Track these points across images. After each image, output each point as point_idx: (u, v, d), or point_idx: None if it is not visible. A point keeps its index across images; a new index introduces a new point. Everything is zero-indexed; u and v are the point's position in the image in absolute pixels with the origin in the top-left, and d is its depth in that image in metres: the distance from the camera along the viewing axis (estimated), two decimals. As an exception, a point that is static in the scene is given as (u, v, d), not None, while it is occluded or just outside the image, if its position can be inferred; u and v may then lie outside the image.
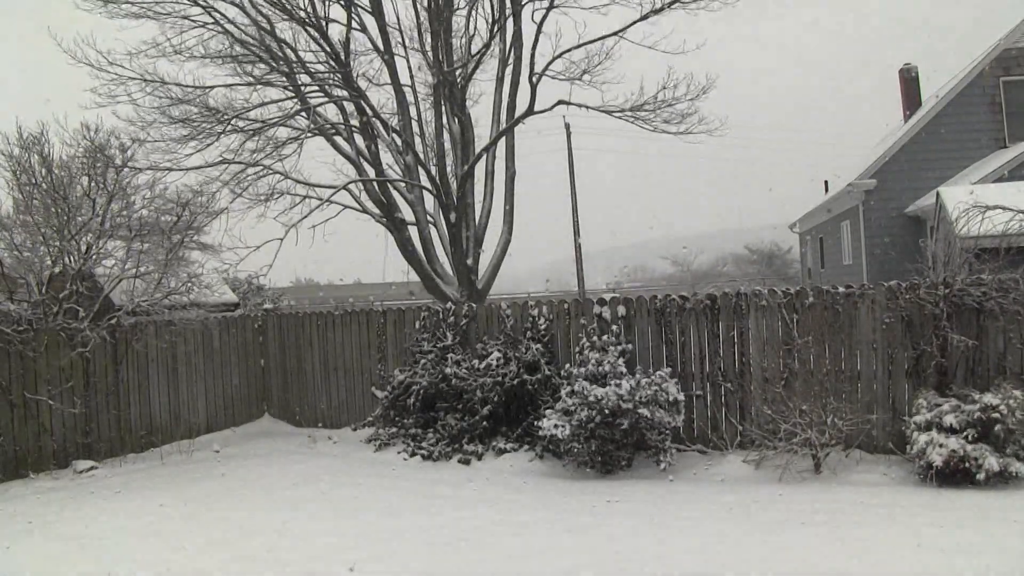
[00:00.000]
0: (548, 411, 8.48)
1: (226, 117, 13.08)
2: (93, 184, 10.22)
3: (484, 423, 9.22)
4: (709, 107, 24.55)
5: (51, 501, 7.90)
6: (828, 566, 5.20)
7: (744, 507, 6.73)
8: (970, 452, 6.86)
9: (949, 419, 7.08)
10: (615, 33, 13.47)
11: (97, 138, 10.44)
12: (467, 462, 8.96)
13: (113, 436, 10.00)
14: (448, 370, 9.51)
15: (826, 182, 27.08)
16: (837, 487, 7.19)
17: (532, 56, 13.55)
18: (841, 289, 8.40)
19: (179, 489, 8.24)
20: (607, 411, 7.86)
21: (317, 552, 5.96)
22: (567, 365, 9.08)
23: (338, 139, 14.68)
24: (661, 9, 12.91)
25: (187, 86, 13.07)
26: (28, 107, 11.22)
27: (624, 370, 8.31)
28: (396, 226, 14.39)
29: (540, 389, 9.07)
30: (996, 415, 6.94)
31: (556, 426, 8.14)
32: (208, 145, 13.19)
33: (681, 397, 8.35)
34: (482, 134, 15.15)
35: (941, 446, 6.98)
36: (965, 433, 6.98)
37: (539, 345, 9.38)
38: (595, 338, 8.91)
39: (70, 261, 9.97)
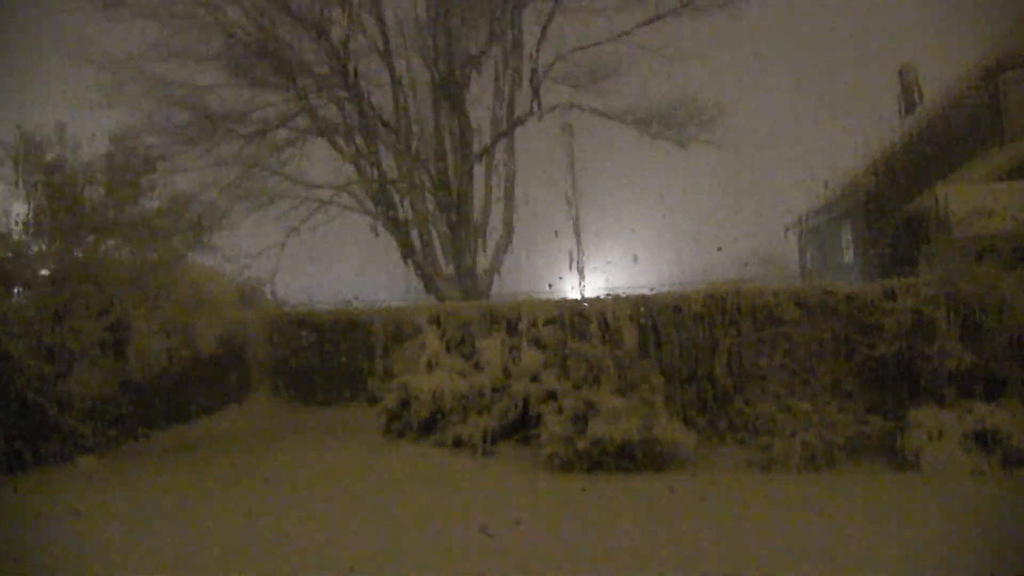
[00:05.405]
0: (550, 417, 8.49)
1: (225, 123, 13.11)
2: (97, 186, 10.25)
3: (486, 428, 9.25)
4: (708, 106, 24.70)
5: (51, 496, 7.94)
6: (811, 547, 5.47)
7: (743, 504, 6.81)
8: (968, 464, 6.93)
9: (950, 439, 7.14)
10: (616, 37, 13.51)
11: (101, 140, 10.48)
12: (470, 461, 8.98)
13: (114, 431, 10.05)
14: (446, 377, 9.52)
15: (826, 182, 27.01)
16: (836, 485, 7.23)
17: (533, 58, 13.60)
18: (841, 290, 8.42)
19: (179, 479, 8.27)
20: (607, 422, 7.86)
21: (317, 546, 5.98)
22: (566, 369, 9.06)
23: (339, 141, 14.69)
24: (662, 16, 12.98)
25: (188, 86, 13.11)
26: (31, 110, 11.25)
27: (624, 372, 8.33)
28: (396, 226, 14.40)
29: (542, 396, 9.08)
30: (996, 425, 6.98)
31: (557, 432, 8.15)
32: (208, 150, 13.24)
33: (683, 404, 8.36)
34: (482, 135, 15.17)
35: (940, 458, 7.05)
36: (964, 444, 7.05)
37: (539, 349, 9.40)
38: (595, 342, 8.92)
39: (76, 260, 10.00)
